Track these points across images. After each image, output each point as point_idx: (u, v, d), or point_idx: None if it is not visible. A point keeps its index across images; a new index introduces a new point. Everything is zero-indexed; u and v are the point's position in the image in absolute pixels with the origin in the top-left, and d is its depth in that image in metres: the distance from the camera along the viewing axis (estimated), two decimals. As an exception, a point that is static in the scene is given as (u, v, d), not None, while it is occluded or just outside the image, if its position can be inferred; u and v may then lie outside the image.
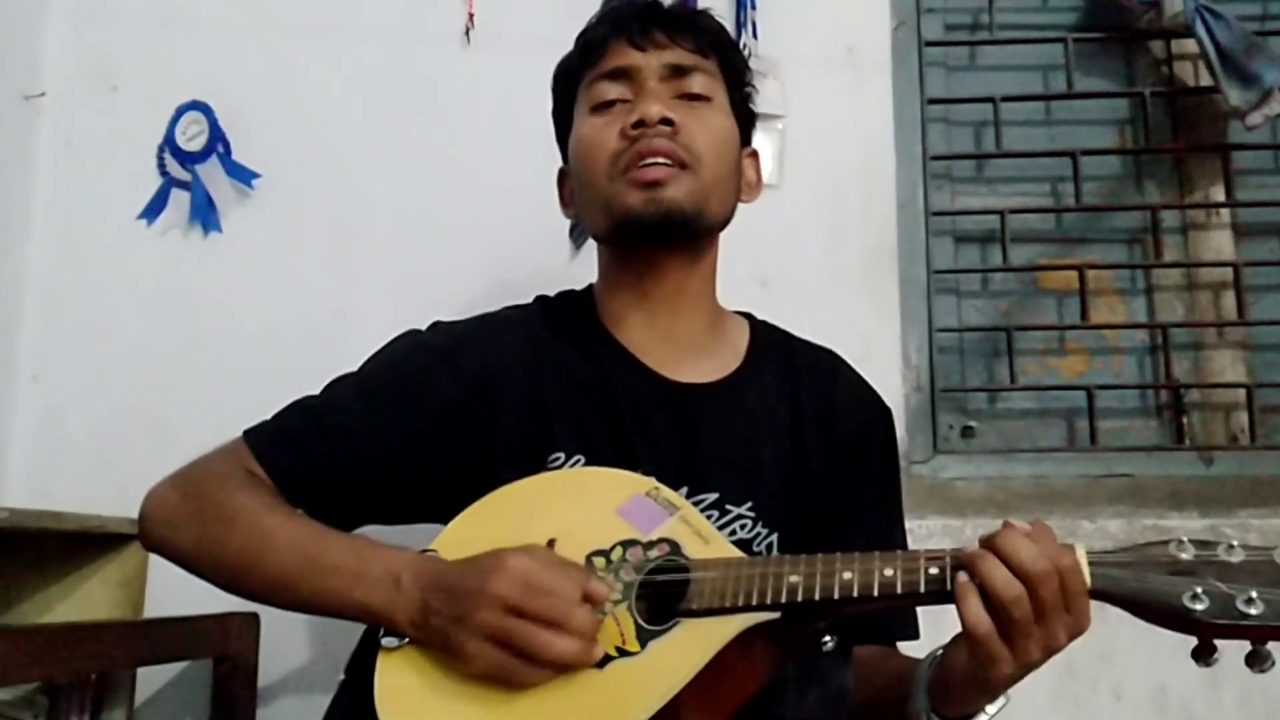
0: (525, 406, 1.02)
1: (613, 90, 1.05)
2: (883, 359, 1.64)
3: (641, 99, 1.03)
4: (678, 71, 1.05)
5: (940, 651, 0.86)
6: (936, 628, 0.92)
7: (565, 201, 1.15)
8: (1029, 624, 0.77)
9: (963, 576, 0.79)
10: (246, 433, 1.02)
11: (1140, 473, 1.65)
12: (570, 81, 1.10)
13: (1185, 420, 1.71)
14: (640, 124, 1.01)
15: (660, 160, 1.00)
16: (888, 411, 1.16)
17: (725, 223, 1.09)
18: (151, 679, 1.56)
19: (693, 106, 1.04)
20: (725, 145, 1.06)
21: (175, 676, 1.59)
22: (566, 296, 1.14)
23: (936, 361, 1.69)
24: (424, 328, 1.10)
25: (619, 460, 0.98)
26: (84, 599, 1.52)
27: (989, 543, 0.79)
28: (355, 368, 1.06)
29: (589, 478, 0.98)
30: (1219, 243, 1.77)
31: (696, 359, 1.08)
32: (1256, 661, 0.75)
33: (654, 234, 1.02)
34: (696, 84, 1.05)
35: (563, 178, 1.15)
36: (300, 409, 1.03)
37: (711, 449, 1.03)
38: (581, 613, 0.80)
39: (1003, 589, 0.77)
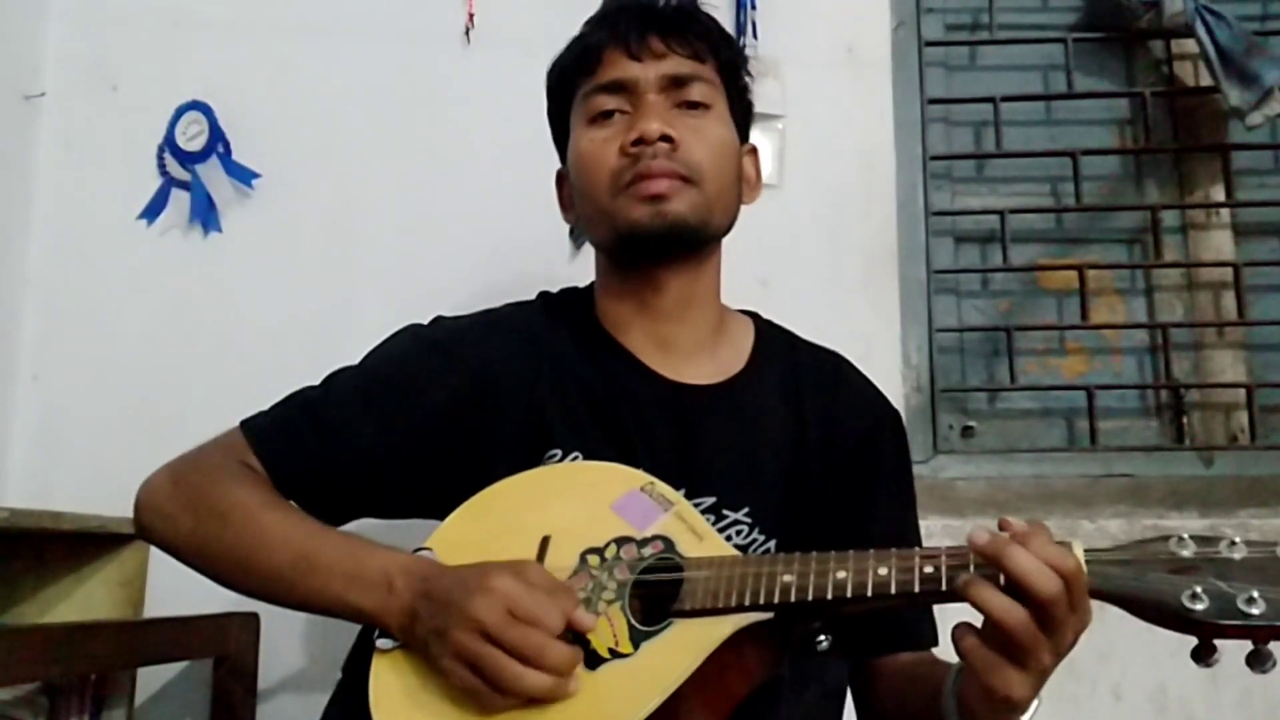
0: (524, 405, 1.01)
1: (610, 102, 1.03)
2: (883, 359, 1.64)
3: (640, 114, 1.01)
4: (676, 82, 1.03)
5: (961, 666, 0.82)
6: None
7: (565, 205, 1.14)
8: (1036, 640, 0.73)
9: (969, 639, 0.75)
10: (244, 423, 1.01)
11: (1140, 473, 1.64)
12: (566, 86, 1.08)
13: (1185, 420, 1.71)
14: (640, 141, 1.00)
15: (662, 177, 0.99)
16: (896, 415, 1.13)
17: (729, 228, 1.08)
18: (151, 679, 1.56)
19: (692, 116, 1.03)
20: (726, 156, 1.05)
21: (175, 676, 1.59)
22: (569, 294, 1.14)
23: (936, 361, 1.69)
24: (426, 322, 1.09)
25: (617, 461, 0.97)
26: (84, 599, 1.52)
27: (988, 560, 0.74)
28: (356, 361, 1.06)
29: (584, 472, 0.97)
30: (1219, 243, 1.77)
31: (698, 360, 1.07)
32: (1258, 662, 0.72)
33: (659, 247, 1.02)
34: (695, 92, 1.04)
35: (561, 180, 1.14)
36: (299, 402, 1.02)
37: (710, 452, 1.02)
38: (557, 649, 0.77)
39: (1001, 615, 0.73)
